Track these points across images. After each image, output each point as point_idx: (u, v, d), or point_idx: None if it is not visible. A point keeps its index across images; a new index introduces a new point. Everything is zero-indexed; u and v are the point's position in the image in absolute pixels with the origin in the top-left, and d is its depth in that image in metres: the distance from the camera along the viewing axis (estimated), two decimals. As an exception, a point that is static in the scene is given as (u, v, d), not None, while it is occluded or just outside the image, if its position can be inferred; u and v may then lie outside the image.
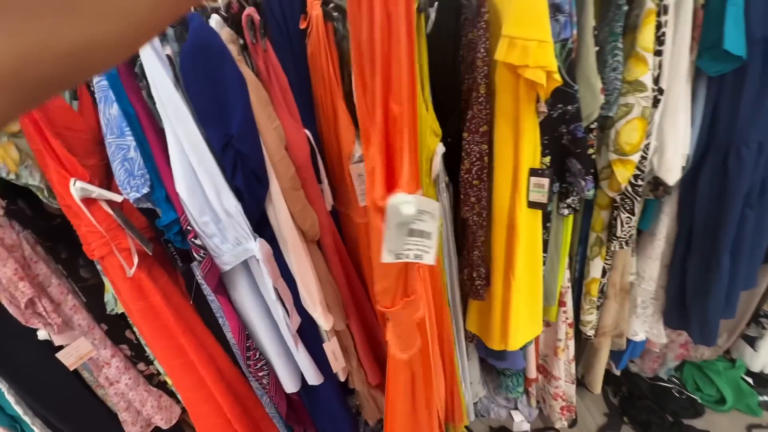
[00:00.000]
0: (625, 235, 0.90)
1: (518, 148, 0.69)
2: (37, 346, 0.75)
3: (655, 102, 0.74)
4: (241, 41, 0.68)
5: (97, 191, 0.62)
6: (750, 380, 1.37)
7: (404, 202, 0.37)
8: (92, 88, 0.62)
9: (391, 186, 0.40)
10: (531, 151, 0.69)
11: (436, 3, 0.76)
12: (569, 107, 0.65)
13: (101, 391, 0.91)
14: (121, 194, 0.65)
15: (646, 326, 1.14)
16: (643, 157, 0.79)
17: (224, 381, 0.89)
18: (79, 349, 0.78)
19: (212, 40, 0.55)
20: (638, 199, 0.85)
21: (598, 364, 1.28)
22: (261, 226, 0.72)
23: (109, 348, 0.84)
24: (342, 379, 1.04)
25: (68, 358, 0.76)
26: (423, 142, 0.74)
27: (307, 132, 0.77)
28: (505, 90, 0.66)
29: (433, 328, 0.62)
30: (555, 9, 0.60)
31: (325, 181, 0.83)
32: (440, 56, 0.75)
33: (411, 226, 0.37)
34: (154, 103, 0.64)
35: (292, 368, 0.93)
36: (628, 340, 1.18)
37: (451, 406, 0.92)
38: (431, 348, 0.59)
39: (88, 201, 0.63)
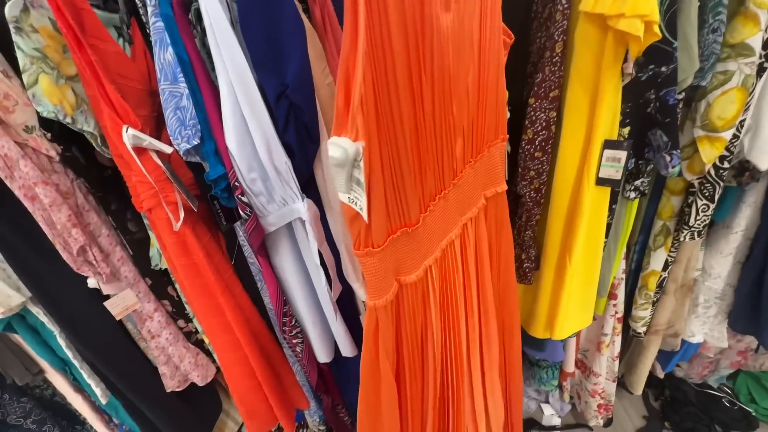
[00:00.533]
0: (699, 224, 0.81)
1: (594, 116, 0.62)
2: (87, 293, 0.77)
3: (761, 70, 0.64)
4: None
5: (148, 140, 0.60)
6: (816, 397, 1.25)
7: (335, 145, 0.35)
8: (148, 31, 0.59)
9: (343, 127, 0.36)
10: (609, 119, 0.62)
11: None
12: (663, 68, 0.57)
13: (143, 344, 0.94)
14: (171, 146, 0.63)
15: (705, 328, 1.04)
16: (735, 136, 0.70)
17: (258, 345, 0.89)
18: (125, 300, 0.79)
19: (272, -21, 0.51)
20: (721, 184, 0.76)
21: (642, 364, 1.20)
22: (306, 188, 0.69)
23: (152, 302, 0.86)
24: (374, 353, 1.02)
25: (115, 307, 0.78)
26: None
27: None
28: (586, 48, 0.59)
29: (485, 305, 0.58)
30: (662, -52, 0.52)
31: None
32: (507, 18, 0.68)
33: (350, 172, 0.36)
34: (207, 53, 0.61)
35: (326, 338, 0.91)
36: (683, 341, 1.09)
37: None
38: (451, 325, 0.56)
39: (139, 150, 0.62)
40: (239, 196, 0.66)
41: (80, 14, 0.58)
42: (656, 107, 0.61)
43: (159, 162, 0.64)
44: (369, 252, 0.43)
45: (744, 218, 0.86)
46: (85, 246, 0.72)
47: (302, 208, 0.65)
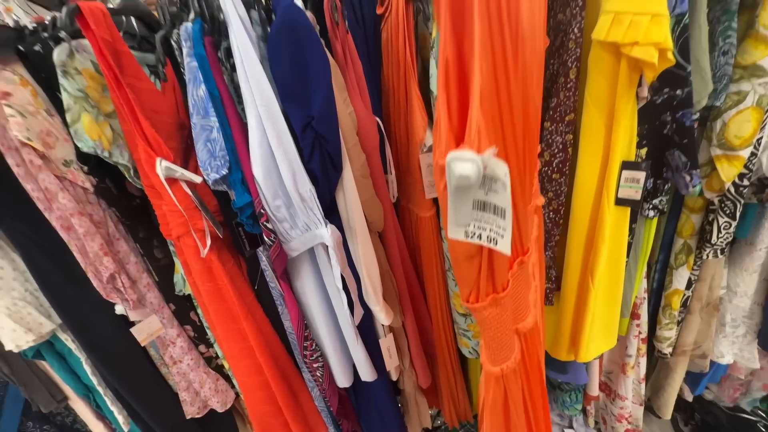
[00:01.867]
0: (722, 242, 0.80)
1: (611, 138, 0.63)
2: (114, 319, 0.79)
3: (775, 89, 0.65)
4: (318, 26, 0.67)
5: (180, 171, 0.63)
6: None
7: (461, 159, 0.25)
8: (182, 70, 0.63)
9: (459, 140, 0.28)
10: (626, 141, 0.63)
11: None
12: (678, 92, 0.58)
13: (164, 369, 0.94)
14: (200, 176, 0.66)
15: (735, 348, 1.01)
16: (753, 154, 0.70)
17: (279, 369, 0.89)
18: (151, 326, 0.80)
19: (300, 20, 0.54)
20: (741, 201, 0.75)
21: (670, 387, 1.16)
22: (329, 214, 0.71)
23: (175, 327, 0.87)
24: (394, 378, 1.01)
25: (140, 333, 0.79)
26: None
27: (378, 120, 0.75)
28: (600, 73, 0.61)
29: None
30: (671, -20, 0.54)
31: (393, 172, 0.80)
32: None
33: (476, 196, 0.27)
34: (235, 88, 0.65)
35: (346, 362, 0.91)
36: (712, 362, 1.06)
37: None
38: (534, 364, 0.45)
39: (171, 180, 0.65)
40: (264, 222, 0.68)
41: (119, 56, 0.62)
42: (673, 129, 0.62)
43: (188, 191, 0.66)
44: (494, 300, 0.33)
45: (767, 235, 0.84)
46: (114, 273, 0.74)
47: (326, 233, 0.67)
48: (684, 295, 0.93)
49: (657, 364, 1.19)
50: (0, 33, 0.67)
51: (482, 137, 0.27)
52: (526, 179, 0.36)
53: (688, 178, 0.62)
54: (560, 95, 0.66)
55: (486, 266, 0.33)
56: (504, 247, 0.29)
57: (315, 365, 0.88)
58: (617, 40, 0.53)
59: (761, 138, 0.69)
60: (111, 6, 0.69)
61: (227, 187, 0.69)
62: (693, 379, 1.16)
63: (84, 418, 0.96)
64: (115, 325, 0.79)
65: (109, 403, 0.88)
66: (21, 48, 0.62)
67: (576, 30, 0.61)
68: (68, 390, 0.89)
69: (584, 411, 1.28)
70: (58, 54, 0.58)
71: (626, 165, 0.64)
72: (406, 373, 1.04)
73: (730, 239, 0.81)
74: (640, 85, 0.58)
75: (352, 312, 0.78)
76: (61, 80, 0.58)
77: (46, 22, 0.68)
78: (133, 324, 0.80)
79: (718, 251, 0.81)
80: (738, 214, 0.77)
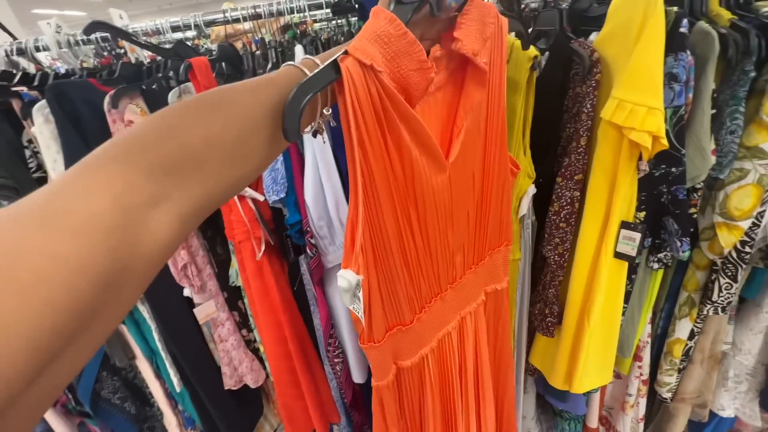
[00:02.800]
0: (722, 301, 0.85)
1: (612, 200, 0.72)
2: (181, 300, 0.98)
3: (777, 170, 0.70)
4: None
5: (249, 191, 0.80)
6: None
7: (342, 276, 0.43)
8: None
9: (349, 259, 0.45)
10: (626, 205, 0.71)
11: (547, 53, 0.82)
12: (673, 169, 0.66)
13: (212, 345, 1.13)
14: (263, 195, 0.82)
15: (737, 403, 1.03)
16: (755, 224, 0.75)
17: (305, 359, 1.04)
18: (209, 308, 0.98)
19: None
20: (743, 266, 0.80)
21: (671, 431, 1.19)
22: (362, 236, 0.85)
23: (225, 312, 1.05)
24: (403, 381, 1.13)
25: (200, 313, 0.97)
26: (516, 183, 0.80)
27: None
28: (606, 145, 0.70)
29: (482, 356, 0.66)
30: (671, 78, 0.62)
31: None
32: (544, 103, 0.81)
33: (354, 292, 0.44)
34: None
35: (362, 361, 1.04)
36: (712, 414, 1.08)
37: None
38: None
39: (240, 197, 0.82)
40: (309, 238, 0.83)
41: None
42: (668, 199, 0.69)
43: (253, 207, 0.83)
44: (371, 346, 0.50)
45: (773, 299, 0.88)
46: (187, 264, 0.92)
47: (357, 253, 0.80)
48: (686, 344, 0.98)
49: (660, 409, 1.22)
50: (127, 69, 0.87)
51: (360, 263, 0.43)
52: (407, 285, 0.51)
53: (679, 243, 0.70)
54: (572, 157, 0.75)
55: (367, 327, 0.49)
56: (362, 319, 0.47)
57: (336, 360, 1.03)
58: (619, 122, 0.63)
59: (764, 211, 0.74)
60: (211, 52, 0.87)
61: (282, 206, 0.85)
62: (696, 428, 1.19)
63: (145, 375, 1.16)
64: (182, 304, 0.98)
65: (168, 365, 1.07)
66: (143, 87, 0.81)
67: (589, 105, 0.71)
68: (137, 350, 1.09)
69: (583, 442, 1.33)
70: (172, 95, 0.76)
71: (624, 225, 0.72)
72: (415, 379, 1.16)
73: (732, 299, 0.86)
74: (640, 159, 0.67)
75: (372, 320, 0.92)
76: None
77: (158, 60, 0.87)
78: (195, 306, 0.98)
79: (719, 309, 0.86)
80: (739, 277, 0.82)
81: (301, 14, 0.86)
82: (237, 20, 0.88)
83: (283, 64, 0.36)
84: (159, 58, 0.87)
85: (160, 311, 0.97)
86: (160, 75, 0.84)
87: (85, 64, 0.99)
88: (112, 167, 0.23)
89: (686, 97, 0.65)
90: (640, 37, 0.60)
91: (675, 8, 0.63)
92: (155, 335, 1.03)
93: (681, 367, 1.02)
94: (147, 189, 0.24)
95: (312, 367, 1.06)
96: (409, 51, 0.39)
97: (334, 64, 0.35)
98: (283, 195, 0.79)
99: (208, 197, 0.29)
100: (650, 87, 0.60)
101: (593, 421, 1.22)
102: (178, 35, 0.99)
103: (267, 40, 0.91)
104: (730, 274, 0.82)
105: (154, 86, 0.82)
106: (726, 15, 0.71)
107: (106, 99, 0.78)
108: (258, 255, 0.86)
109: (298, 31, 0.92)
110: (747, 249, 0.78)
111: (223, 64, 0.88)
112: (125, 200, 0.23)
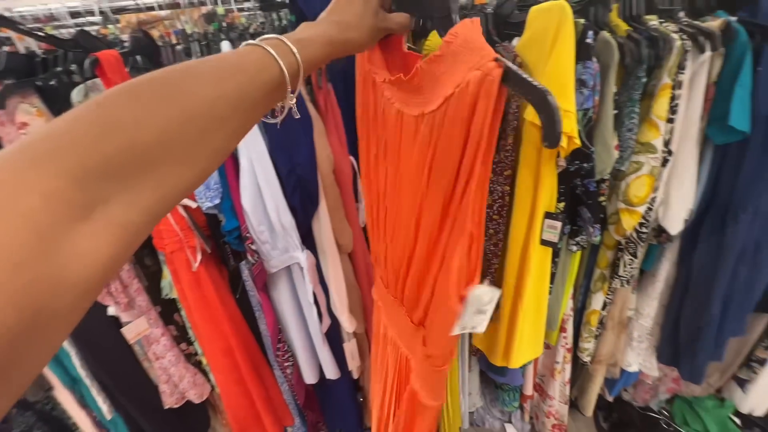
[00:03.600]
0: (626, 275, 0.99)
1: (537, 193, 0.79)
2: (106, 320, 0.88)
3: (664, 162, 0.83)
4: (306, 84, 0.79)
5: (178, 198, 0.74)
6: (738, 421, 1.43)
7: (483, 293, 0.43)
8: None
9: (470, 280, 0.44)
10: (548, 197, 0.79)
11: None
12: (585, 164, 0.75)
13: (147, 364, 1.04)
14: (195, 201, 0.77)
15: (640, 359, 1.22)
16: (649, 209, 0.88)
17: (254, 366, 1.01)
18: (139, 326, 0.90)
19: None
20: (641, 244, 0.94)
21: (591, 389, 1.37)
22: (305, 238, 0.83)
23: (160, 327, 0.97)
24: (356, 376, 1.15)
25: (130, 333, 0.89)
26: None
27: (352, 158, 0.88)
28: (530, 143, 0.76)
29: None
30: (581, 83, 0.70)
31: (363, 201, 0.93)
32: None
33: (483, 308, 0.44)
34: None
35: (313, 362, 1.04)
36: (622, 370, 1.26)
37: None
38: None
39: (169, 205, 0.75)
40: (249, 245, 0.79)
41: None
42: (582, 191, 0.78)
43: (184, 214, 0.77)
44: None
45: (664, 270, 1.04)
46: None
47: (302, 257, 0.79)
48: (600, 314, 1.12)
49: (582, 371, 1.39)
50: (15, 60, 0.75)
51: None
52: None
53: (591, 229, 0.79)
54: (501, 155, 0.81)
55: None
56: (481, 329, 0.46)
57: (285, 364, 1.01)
58: (537, 123, 0.69)
59: (655, 197, 0.87)
60: (122, 43, 0.78)
61: (218, 212, 0.80)
62: (610, 383, 1.37)
63: (67, 407, 1.04)
64: (107, 325, 0.89)
65: (94, 393, 0.96)
66: (38, 83, 0.70)
67: (514, 106, 0.76)
68: (55, 380, 0.97)
69: (521, 408, 1.47)
70: (76, 94, 0.67)
71: (548, 215, 0.80)
72: (367, 372, 1.18)
73: (635, 273, 1.00)
74: (558, 156, 0.74)
75: (321, 321, 0.91)
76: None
77: (57, 51, 0.76)
78: (123, 325, 0.89)
79: (624, 282, 1.00)
80: (639, 253, 0.96)
81: (226, 5, 0.81)
82: (151, 8, 0.80)
83: (244, 44, 0.32)
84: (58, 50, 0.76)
85: (80, 335, 0.87)
86: (59, 69, 0.73)
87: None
88: (25, 175, 0.18)
89: (594, 101, 0.73)
90: (554, 46, 0.66)
91: (582, 20, 0.70)
92: (76, 362, 0.92)
93: (597, 334, 1.17)
94: (74, 198, 0.19)
95: (261, 373, 1.03)
96: None
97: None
98: (218, 201, 0.74)
99: (162, 202, 0.24)
100: (564, 92, 0.66)
101: (529, 389, 1.35)
102: (81, 22, 0.86)
103: (189, 31, 0.84)
104: (632, 251, 0.95)
105: (52, 82, 0.71)
106: (623, 26, 0.81)
107: (-10, 97, 0.67)
108: (194, 266, 0.80)
109: (224, 23, 0.86)
110: (644, 229, 0.91)
111: (138, 57, 0.80)
112: (41, 219, 0.17)
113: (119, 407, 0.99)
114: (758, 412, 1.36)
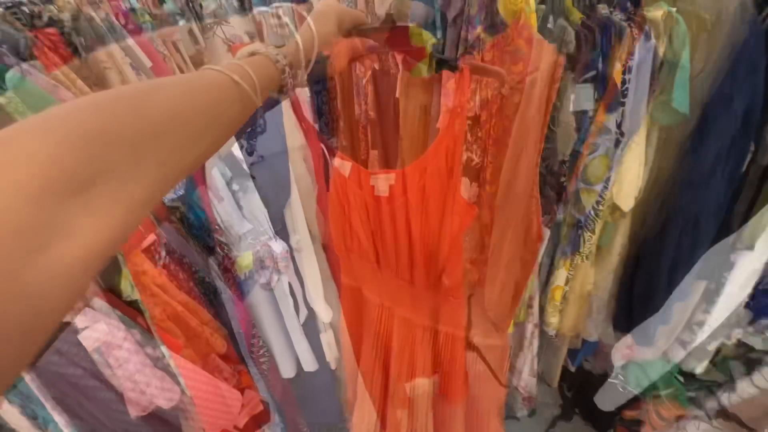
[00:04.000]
0: (586, 250, 1.06)
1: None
2: (60, 327, 0.81)
3: (617, 143, 0.89)
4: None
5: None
6: (681, 378, 1.59)
7: None
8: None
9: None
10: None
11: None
12: (548, 146, 0.79)
13: (108, 371, 0.97)
14: (156, 194, 0.72)
15: (599, 329, 1.31)
16: (605, 187, 0.95)
17: (227, 366, 0.97)
18: (98, 331, 0.84)
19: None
20: (599, 220, 1.01)
21: (556, 361, 1.46)
22: (278, 230, 0.81)
23: (122, 332, 0.90)
24: (333, 367, 1.14)
25: (87, 339, 0.82)
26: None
27: (322, 146, 0.86)
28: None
29: None
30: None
31: (334, 189, 0.92)
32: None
33: None
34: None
35: (290, 356, 1.02)
36: (583, 341, 1.36)
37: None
38: None
39: (126, 198, 0.70)
40: (218, 237, 0.76)
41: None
42: (546, 171, 0.83)
43: (144, 208, 0.72)
44: None
45: (618, 245, 1.12)
46: (61, 283, 0.76)
47: (276, 247, 0.77)
48: (564, 289, 1.19)
49: (546, 344, 1.48)
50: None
51: None
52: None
53: (556, 207, 0.84)
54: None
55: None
56: None
57: (261, 360, 0.98)
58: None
59: (610, 176, 0.93)
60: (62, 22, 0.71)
61: (181, 203, 0.76)
62: (573, 354, 1.47)
63: (15, 425, 0.94)
64: (60, 331, 0.81)
65: (49, 408, 0.88)
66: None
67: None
68: None
69: (493, 385, 1.54)
70: (10, 77, 0.60)
71: (515, 196, 0.83)
72: (340, 364, 1.18)
73: (593, 248, 1.07)
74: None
75: (298, 312, 0.90)
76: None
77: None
78: (78, 331, 0.82)
79: (584, 257, 1.07)
80: (597, 229, 1.02)
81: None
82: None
83: (203, 67, 0.33)
84: (-19, 27, 0.67)
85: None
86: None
87: None
88: (26, 139, 0.17)
89: (554, 84, 0.77)
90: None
91: (543, 6, 0.73)
92: (25, 376, 0.84)
93: (561, 308, 1.24)
94: (75, 168, 0.18)
95: (236, 372, 1.00)
96: None
97: None
98: (181, 192, 0.70)
99: (162, 183, 0.23)
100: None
101: (500, 366, 1.42)
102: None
103: (138, 11, 0.78)
104: (591, 227, 1.02)
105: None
106: (578, 14, 0.85)
107: None
108: (158, 263, 0.75)
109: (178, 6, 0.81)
110: (600, 207, 0.98)
111: (82, 39, 0.73)
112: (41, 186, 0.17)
113: (79, 419, 0.92)
114: (698, 370, 1.52)
